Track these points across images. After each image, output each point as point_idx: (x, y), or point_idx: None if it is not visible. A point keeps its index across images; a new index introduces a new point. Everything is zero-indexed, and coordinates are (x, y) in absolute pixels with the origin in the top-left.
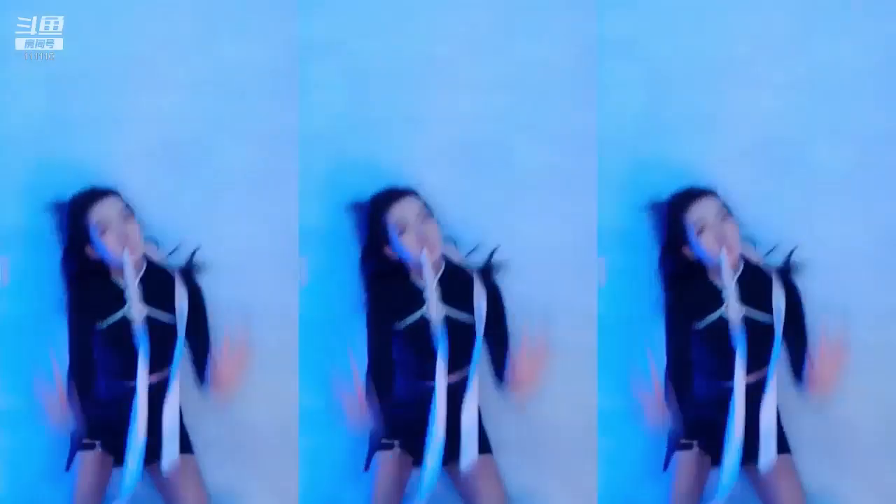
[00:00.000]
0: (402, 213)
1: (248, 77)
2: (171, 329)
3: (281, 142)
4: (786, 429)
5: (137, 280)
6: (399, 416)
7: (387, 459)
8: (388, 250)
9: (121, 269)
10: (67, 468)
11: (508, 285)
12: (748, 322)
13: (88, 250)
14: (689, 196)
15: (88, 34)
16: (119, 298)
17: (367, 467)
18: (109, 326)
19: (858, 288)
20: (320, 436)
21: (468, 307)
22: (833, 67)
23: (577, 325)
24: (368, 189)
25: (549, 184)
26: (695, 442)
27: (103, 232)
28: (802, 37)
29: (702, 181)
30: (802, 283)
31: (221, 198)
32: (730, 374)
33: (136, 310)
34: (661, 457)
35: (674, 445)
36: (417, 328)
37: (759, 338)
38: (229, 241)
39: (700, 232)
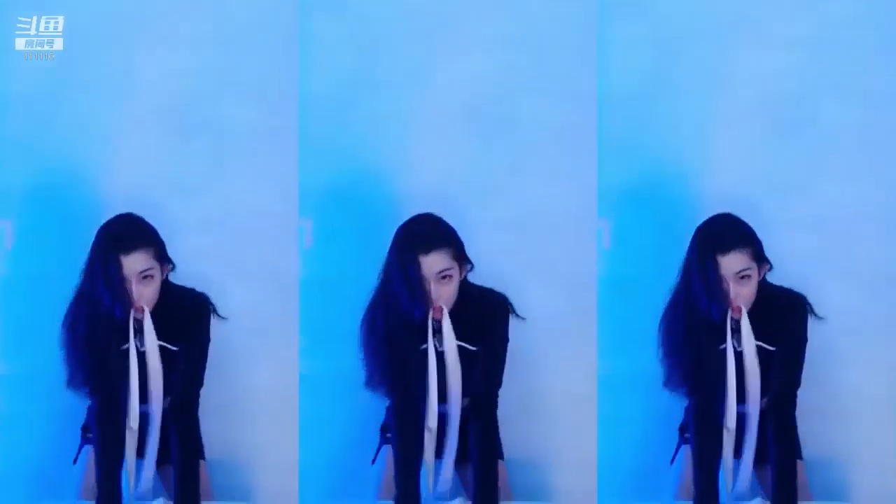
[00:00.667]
0: (423, 269)
1: (251, 33)
2: (172, 355)
3: (282, 101)
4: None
5: (135, 330)
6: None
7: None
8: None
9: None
10: (75, 461)
11: (510, 247)
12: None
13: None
14: (714, 248)
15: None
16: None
17: (374, 461)
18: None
19: (866, 247)
20: (321, 402)
21: (474, 339)
22: (842, 24)
23: (577, 288)
24: (376, 154)
25: (554, 144)
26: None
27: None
28: None
29: (709, 141)
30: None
31: (225, 158)
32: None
33: (134, 354)
34: (663, 434)
35: (682, 439)
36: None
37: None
38: (233, 201)
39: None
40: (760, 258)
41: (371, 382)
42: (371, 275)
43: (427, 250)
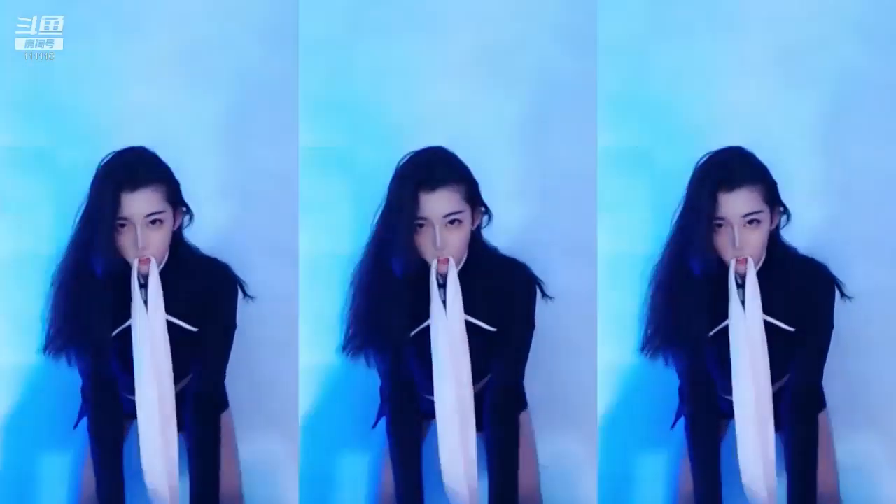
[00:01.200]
0: (426, 208)
1: None
2: (190, 335)
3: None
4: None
5: (140, 286)
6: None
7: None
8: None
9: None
10: (75, 426)
11: (531, 214)
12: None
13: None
14: (716, 185)
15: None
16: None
17: (375, 425)
18: (119, 336)
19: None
20: (322, 388)
21: (485, 313)
22: None
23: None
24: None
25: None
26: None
27: (120, 227)
28: None
29: (717, 95)
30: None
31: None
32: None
33: (140, 318)
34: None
35: (683, 406)
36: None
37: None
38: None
39: (715, 228)
40: (774, 201)
41: (349, 346)
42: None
43: (433, 186)
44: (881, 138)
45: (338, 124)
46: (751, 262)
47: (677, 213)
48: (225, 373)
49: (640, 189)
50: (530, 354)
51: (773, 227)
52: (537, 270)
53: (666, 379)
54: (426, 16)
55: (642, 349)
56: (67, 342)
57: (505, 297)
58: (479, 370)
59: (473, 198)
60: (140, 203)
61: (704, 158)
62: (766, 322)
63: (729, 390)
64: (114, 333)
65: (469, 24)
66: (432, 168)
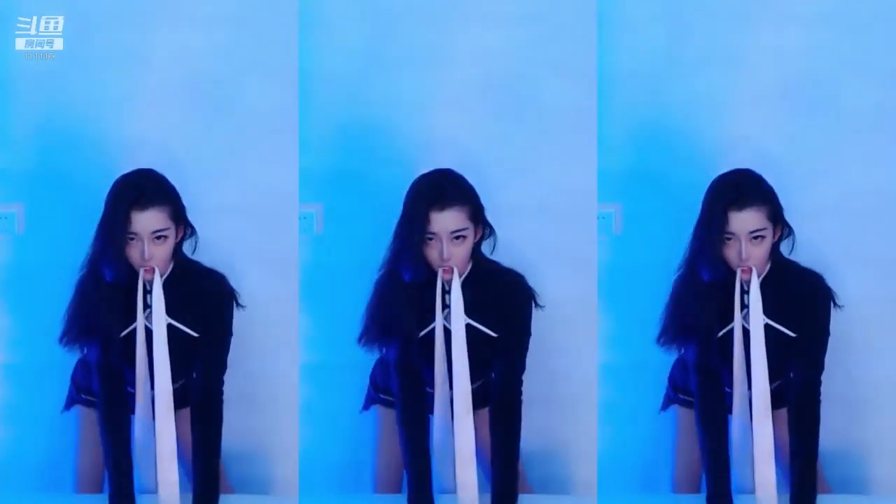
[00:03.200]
0: (436, 225)
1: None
2: (191, 340)
3: (285, 79)
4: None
5: (145, 292)
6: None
7: (390, 415)
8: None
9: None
10: (66, 408)
11: (530, 232)
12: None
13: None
14: (727, 203)
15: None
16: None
17: (365, 407)
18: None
19: (888, 234)
20: (321, 389)
21: (485, 318)
22: (859, 1)
23: (578, 275)
24: (390, 136)
25: (567, 124)
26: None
27: (130, 240)
28: None
29: (725, 124)
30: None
31: (235, 141)
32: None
33: (142, 321)
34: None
35: (671, 394)
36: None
37: (775, 347)
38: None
39: (725, 241)
40: (777, 220)
41: (364, 338)
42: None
43: (442, 206)
44: (875, 163)
45: (350, 149)
46: (755, 272)
47: (694, 227)
48: (223, 373)
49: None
50: (531, 357)
51: (776, 240)
52: (536, 282)
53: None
54: (432, 50)
55: (658, 340)
56: (80, 335)
57: (504, 304)
58: (478, 370)
59: (477, 216)
60: (147, 220)
61: (718, 178)
62: (768, 326)
63: (730, 384)
64: (122, 334)
65: (474, 58)
66: (443, 189)
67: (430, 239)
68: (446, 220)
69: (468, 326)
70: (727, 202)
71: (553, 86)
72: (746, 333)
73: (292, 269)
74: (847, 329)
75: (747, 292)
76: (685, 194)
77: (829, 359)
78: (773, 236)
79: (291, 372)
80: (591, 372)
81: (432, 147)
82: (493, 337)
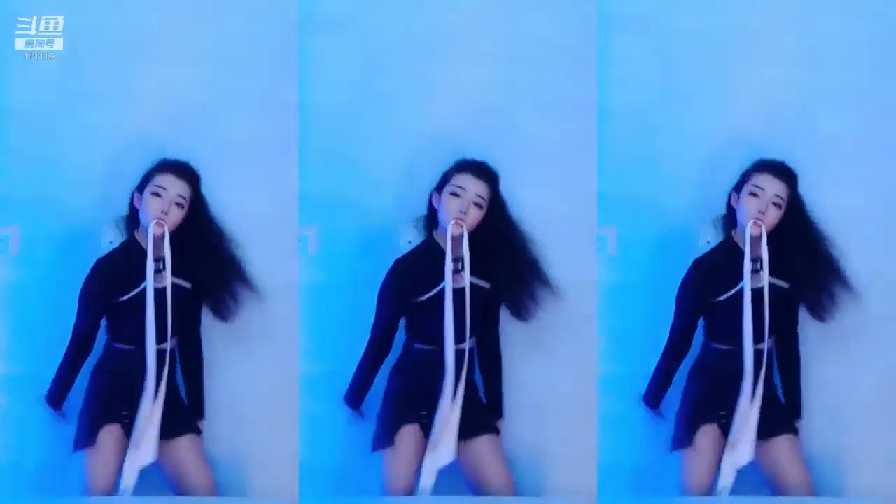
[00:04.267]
0: (466, 182)
1: (251, 50)
2: (189, 293)
3: (283, 114)
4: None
5: (155, 250)
6: (411, 391)
7: (407, 435)
8: (434, 196)
9: (144, 234)
10: (76, 449)
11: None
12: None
13: (136, 197)
14: (769, 168)
15: (93, 12)
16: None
17: (375, 448)
18: (130, 298)
19: (866, 259)
20: (321, 405)
21: (486, 274)
22: (843, 39)
23: (578, 296)
24: (379, 164)
25: (553, 156)
26: (714, 418)
27: (154, 195)
28: (808, 13)
29: (710, 152)
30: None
31: (226, 171)
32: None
33: (151, 280)
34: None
35: (684, 425)
36: (433, 301)
37: (777, 302)
38: (234, 212)
39: (750, 195)
40: (793, 203)
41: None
42: (372, 283)
43: (478, 175)
44: (849, 189)
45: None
46: (764, 230)
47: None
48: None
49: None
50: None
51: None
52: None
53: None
54: (423, 84)
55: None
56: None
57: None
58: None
59: (495, 199)
60: (176, 185)
61: (762, 159)
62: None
63: (723, 341)
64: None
65: (472, 91)
66: (483, 166)
67: (455, 194)
68: (476, 184)
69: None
70: (767, 167)
71: (551, 118)
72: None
73: (292, 291)
74: (822, 342)
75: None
76: (675, 218)
77: (809, 372)
78: (784, 213)
79: (291, 383)
80: (591, 382)
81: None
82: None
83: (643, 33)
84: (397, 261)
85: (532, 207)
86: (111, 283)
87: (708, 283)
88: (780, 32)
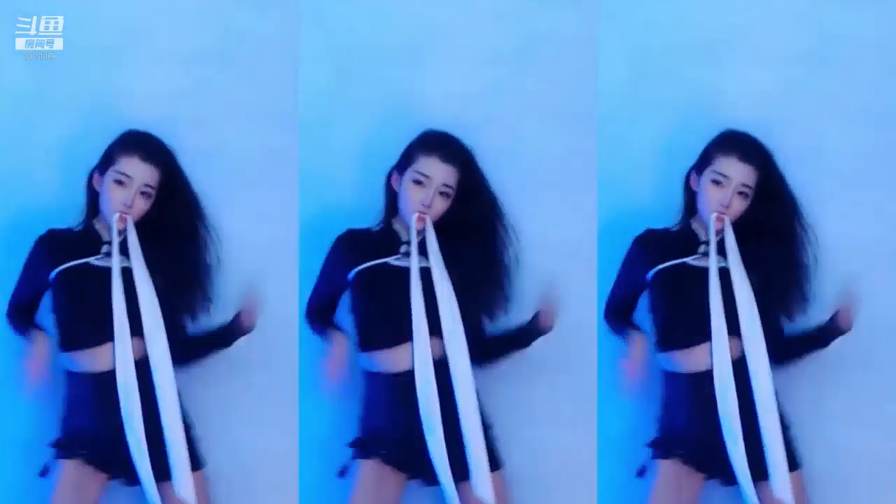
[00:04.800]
0: (432, 169)
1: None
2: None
3: (279, 119)
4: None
5: (107, 247)
6: (381, 420)
7: (369, 471)
8: (395, 177)
9: (104, 223)
10: (43, 474)
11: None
12: (725, 274)
13: (96, 179)
14: (735, 149)
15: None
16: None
17: (342, 473)
18: (69, 271)
19: (869, 282)
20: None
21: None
22: (843, 39)
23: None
24: (368, 173)
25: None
26: (679, 452)
27: (118, 183)
28: (808, 6)
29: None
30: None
31: (223, 180)
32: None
33: (118, 272)
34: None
35: (653, 451)
36: (373, 276)
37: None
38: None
39: (713, 183)
40: (760, 193)
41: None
42: None
43: (445, 158)
44: (859, 213)
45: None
46: (727, 222)
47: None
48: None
49: None
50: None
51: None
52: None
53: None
54: (414, 94)
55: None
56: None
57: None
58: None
59: (466, 185)
60: (144, 172)
61: (735, 130)
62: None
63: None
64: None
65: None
66: (450, 147)
67: (419, 182)
68: (443, 171)
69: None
70: (733, 148)
71: (547, 125)
72: (694, 277)
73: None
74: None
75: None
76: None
77: (808, 431)
78: (752, 201)
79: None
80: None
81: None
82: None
83: (616, 32)
84: (346, 231)
85: (530, 223)
86: (59, 253)
87: (649, 257)
88: (776, 29)
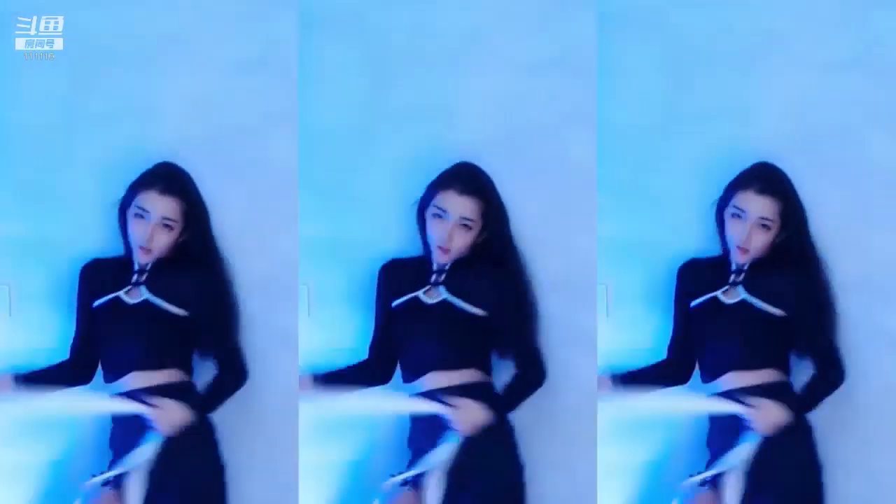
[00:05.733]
0: (448, 203)
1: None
2: (181, 321)
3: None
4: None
5: (140, 273)
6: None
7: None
8: (421, 210)
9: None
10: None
11: None
12: (748, 308)
13: (124, 212)
14: (751, 183)
15: (92, 22)
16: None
17: None
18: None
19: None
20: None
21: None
22: (889, 44)
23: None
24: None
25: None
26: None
27: (137, 217)
28: (853, 8)
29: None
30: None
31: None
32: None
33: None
34: None
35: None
36: (411, 310)
37: (764, 328)
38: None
39: (733, 217)
40: (787, 221)
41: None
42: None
43: (460, 190)
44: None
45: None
46: (749, 257)
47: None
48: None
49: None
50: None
51: (777, 239)
52: None
53: None
54: (439, 105)
55: None
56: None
57: (498, 282)
58: (469, 357)
59: (488, 214)
60: (161, 204)
61: (748, 168)
62: (756, 308)
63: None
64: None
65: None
66: (466, 179)
67: (438, 216)
68: (459, 204)
69: (452, 308)
70: (749, 182)
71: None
72: (721, 310)
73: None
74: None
75: (736, 272)
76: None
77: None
78: (778, 234)
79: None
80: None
81: None
82: (483, 318)
83: (646, 36)
84: (389, 261)
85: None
86: (94, 283)
87: (688, 286)
88: (815, 35)
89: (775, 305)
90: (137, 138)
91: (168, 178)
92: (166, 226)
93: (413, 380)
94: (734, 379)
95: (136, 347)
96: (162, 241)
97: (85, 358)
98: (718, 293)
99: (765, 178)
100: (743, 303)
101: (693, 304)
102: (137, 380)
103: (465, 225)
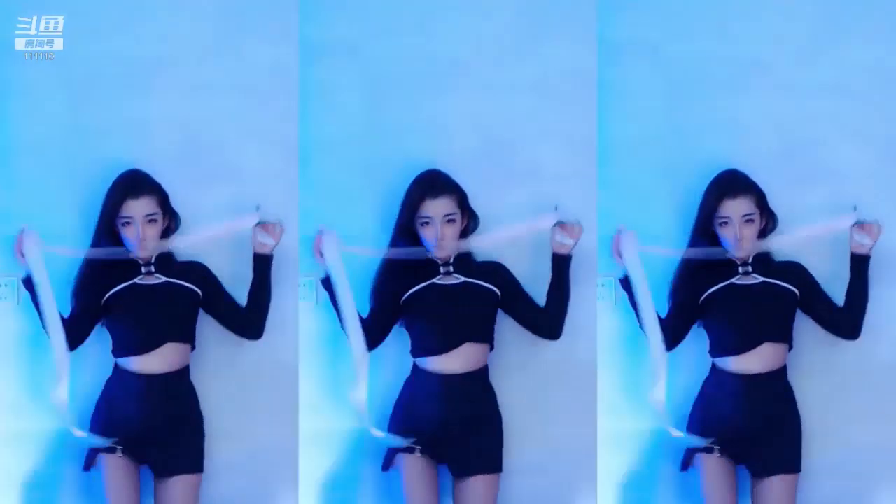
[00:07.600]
0: (431, 210)
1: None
2: (197, 296)
3: (285, 148)
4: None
5: (147, 268)
6: (413, 415)
7: (411, 462)
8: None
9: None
10: (86, 468)
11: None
12: (770, 287)
13: (115, 231)
14: (724, 192)
15: (92, 36)
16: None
17: (385, 468)
18: (116, 294)
19: (886, 299)
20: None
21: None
22: (859, 69)
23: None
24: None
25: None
26: (716, 447)
27: (126, 225)
28: (826, 37)
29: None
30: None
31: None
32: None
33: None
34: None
35: (692, 448)
36: (424, 295)
37: (779, 302)
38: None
39: (722, 225)
40: (763, 207)
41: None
42: None
43: (435, 195)
44: (888, 248)
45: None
46: (749, 246)
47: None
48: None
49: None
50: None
51: (763, 226)
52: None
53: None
54: (432, 117)
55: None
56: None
57: (492, 275)
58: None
59: (464, 205)
60: (141, 206)
61: (713, 178)
62: (766, 285)
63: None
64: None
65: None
66: (434, 181)
67: (426, 223)
68: (440, 206)
69: (475, 286)
70: (723, 192)
71: (552, 152)
72: (748, 290)
73: (292, 336)
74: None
75: (740, 266)
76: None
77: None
78: (761, 222)
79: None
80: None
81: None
82: (494, 295)
83: (645, 62)
84: (386, 258)
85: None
86: (102, 276)
87: (698, 279)
88: (798, 61)
89: (791, 284)
90: (131, 152)
91: (134, 187)
92: (151, 220)
93: (442, 352)
94: (770, 350)
95: (167, 320)
96: (153, 230)
97: (79, 332)
98: (734, 279)
99: (731, 183)
100: (765, 283)
101: (708, 291)
102: (173, 350)
103: (450, 220)
